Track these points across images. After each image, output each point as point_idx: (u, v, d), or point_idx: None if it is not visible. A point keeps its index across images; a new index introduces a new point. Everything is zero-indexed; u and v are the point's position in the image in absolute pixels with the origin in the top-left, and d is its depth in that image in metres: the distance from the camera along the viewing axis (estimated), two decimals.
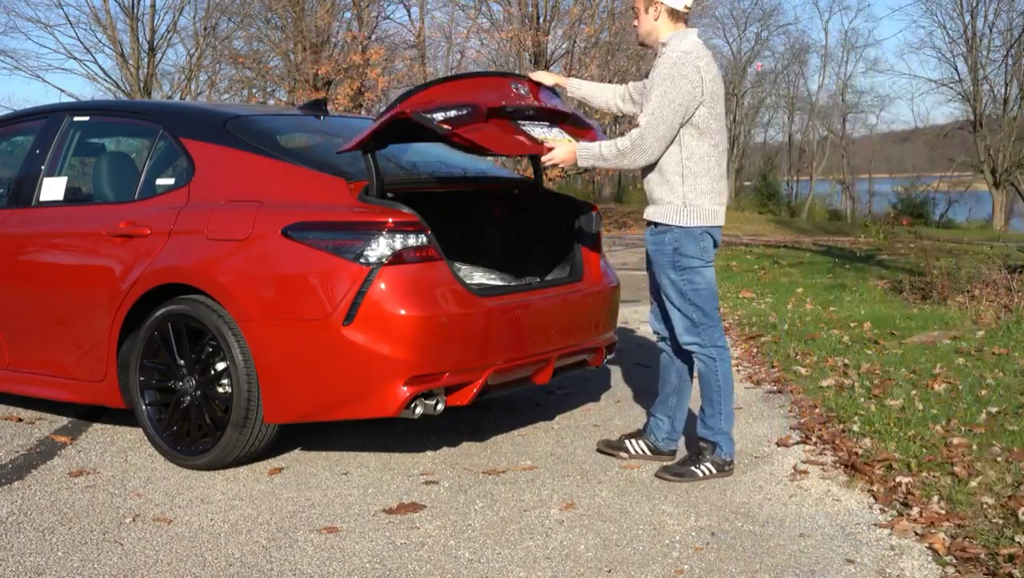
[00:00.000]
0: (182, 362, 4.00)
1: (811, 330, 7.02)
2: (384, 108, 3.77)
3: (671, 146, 3.72)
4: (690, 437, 4.31)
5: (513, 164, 23.90)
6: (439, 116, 3.61)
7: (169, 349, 4.02)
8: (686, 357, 4.06)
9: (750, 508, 3.55)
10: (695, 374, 4.00)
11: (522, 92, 4.04)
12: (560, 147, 3.80)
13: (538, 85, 4.14)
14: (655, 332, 4.12)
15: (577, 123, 4.20)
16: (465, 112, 3.69)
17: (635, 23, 3.92)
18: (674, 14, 3.80)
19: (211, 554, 3.13)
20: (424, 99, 3.69)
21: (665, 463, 4.01)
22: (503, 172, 5.40)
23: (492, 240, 4.90)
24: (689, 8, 3.83)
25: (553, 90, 4.21)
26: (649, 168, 3.80)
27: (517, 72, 4.52)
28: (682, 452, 4.17)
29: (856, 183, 41.74)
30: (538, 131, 3.94)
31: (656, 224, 3.82)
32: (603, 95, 4.20)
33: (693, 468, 3.84)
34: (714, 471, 3.85)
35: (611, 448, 4.17)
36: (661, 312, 4.05)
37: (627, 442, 4.14)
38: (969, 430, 4.28)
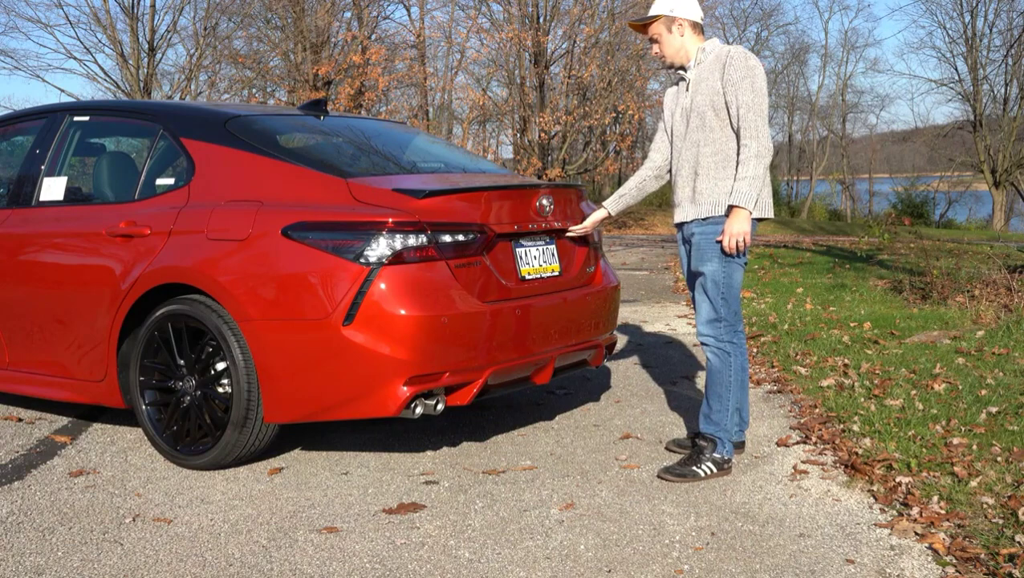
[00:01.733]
0: (182, 362, 4.00)
1: (811, 330, 7.02)
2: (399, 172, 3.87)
3: (732, 138, 3.81)
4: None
5: (513, 164, 23.91)
6: (446, 238, 3.75)
7: (169, 349, 4.02)
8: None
9: (750, 508, 3.55)
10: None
11: (544, 207, 4.17)
12: (732, 223, 3.74)
13: (570, 192, 4.41)
14: None
15: (576, 238, 4.45)
16: (471, 238, 3.84)
17: (655, 51, 3.99)
18: (696, 27, 3.93)
19: (211, 554, 3.13)
20: (442, 206, 3.79)
21: (666, 463, 4.01)
22: (503, 171, 5.39)
23: None
24: (703, 18, 3.98)
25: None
26: (704, 160, 3.84)
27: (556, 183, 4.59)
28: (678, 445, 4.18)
29: (856, 183, 41.78)
30: (533, 252, 4.16)
31: (706, 217, 3.84)
32: (644, 191, 4.27)
33: (695, 468, 3.85)
34: (714, 470, 3.85)
35: (683, 448, 4.18)
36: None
37: (698, 441, 4.13)
38: (969, 430, 4.28)
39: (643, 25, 3.98)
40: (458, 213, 3.85)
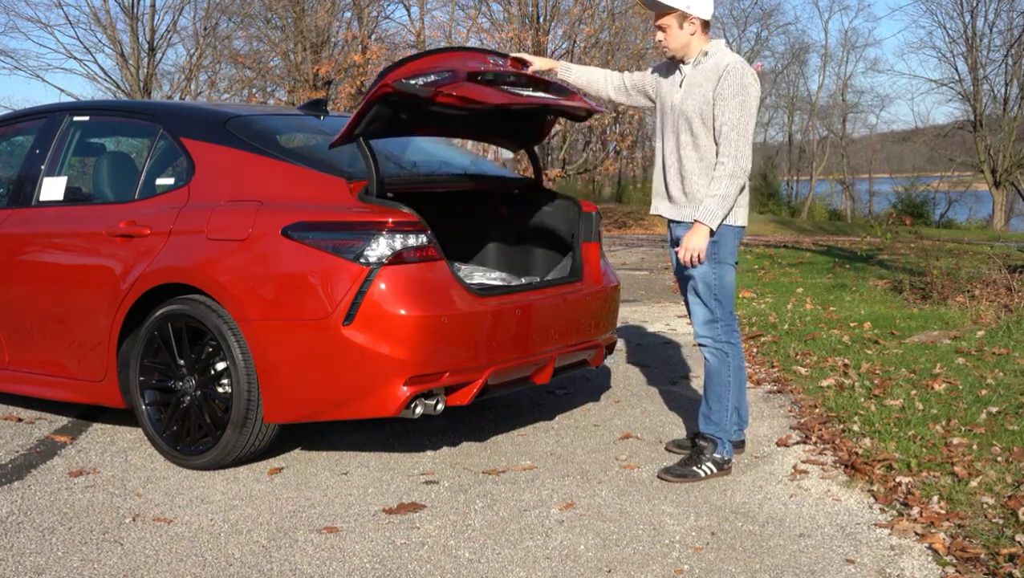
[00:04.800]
0: (182, 362, 4.00)
1: (811, 330, 7.02)
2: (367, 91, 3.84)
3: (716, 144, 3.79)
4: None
5: (514, 164, 23.90)
6: (420, 81, 3.66)
7: (169, 349, 4.02)
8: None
9: (750, 508, 3.55)
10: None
11: (500, 63, 4.09)
12: (692, 237, 3.74)
13: (519, 62, 4.18)
14: None
15: (559, 91, 4.24)
16: (446, 75, 3.74)
17: (659, 39, 3.92)
18: (706, 25, 3.90)
19: (211, 554, 3.13)
20: (403, 72, 3.72)
21: (667, 464, 4.01)
22: (504, 171, 5.39)
23: (492, 240, 4.90)
24: (712, 16, 3.95)
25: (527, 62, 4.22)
26: (689, 164, 3.83)
27: (501, 51, 4.51)
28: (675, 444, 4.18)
29: (856, 183, 41.73)
30: (525, 92, 4.00)
31: (693, 221, 3.83)
32: (595, 83, 4.22)
33: (695, 468, 3.85)
34: (714, 470, 3.85)
35: (683, 448, 4.18)
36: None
37: (699, 441, 4.15)
38: (969, 430, 4.28)
39: (651, 5, 3.86)
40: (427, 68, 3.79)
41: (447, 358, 3.72)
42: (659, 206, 4.00)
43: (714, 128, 3.77)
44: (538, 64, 4.18)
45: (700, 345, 3.96)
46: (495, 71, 3.97)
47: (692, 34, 3.85)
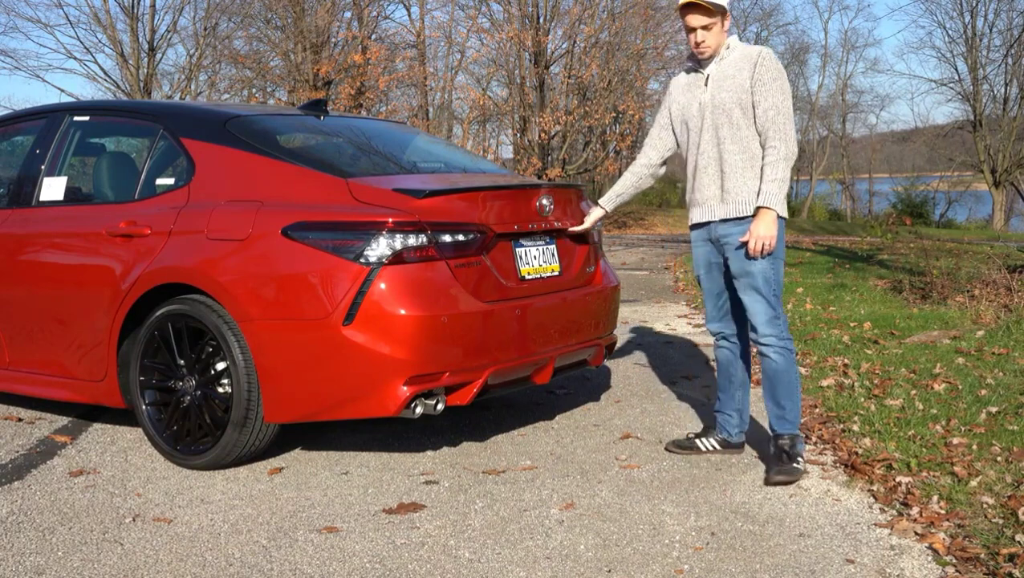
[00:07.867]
0: (182, 362, 4.00)
1: (811, 330, 7.02)
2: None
3: (756, 137, 3.82)
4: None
5: (513, 164, 23.90)
6: (446, 238, 3.75)
7: (169, 349, 4.02)
8: (746, 353, 4.09)
9: (750, 508, 3.55)
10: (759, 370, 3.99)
11: (544, 206, 4.17)
12: (760, 225, 3.72)
13: (570, 192, 4.43)
14: (715, 333, 4.11)
15: (576, 238, 4.45)
16: (471, 237, 3.84)
17: (700, 39, 3.83)
18: None
19: (211, 554, 3.13)
20: (442, 206, 3.79)
21: (768, 471, 3.84)
22: (503, 171, 5.39)
23: None
24: None
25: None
26: (731, 158, 3.82)
27: (557, 182, 4.62)
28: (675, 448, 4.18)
29: (856, 183, 41.77)
30: (533, 252, 4.18)
31: (741, 217, 3.81)
32: (638, 188, 4.28)
33: (795, 465, 3.79)
34: (803, 461, 3.83)
35: (682, 448, 4.18)
36: (718, 312, 4.05)
37: (698, 441, 4.15)
38: (969, 430, 4.28)
39: (706, 9, 3.78)
40: (458, 213, 3.85)
41: (447, 358, 3.73)
42: (695, 214, 3.95)
43: (755, 116, 3.78)
44: (588, 224, 4.39)
45: (763, 345, 3.84)
46: (527, 230, 4.11)
47: (725, 31, 3.89)
